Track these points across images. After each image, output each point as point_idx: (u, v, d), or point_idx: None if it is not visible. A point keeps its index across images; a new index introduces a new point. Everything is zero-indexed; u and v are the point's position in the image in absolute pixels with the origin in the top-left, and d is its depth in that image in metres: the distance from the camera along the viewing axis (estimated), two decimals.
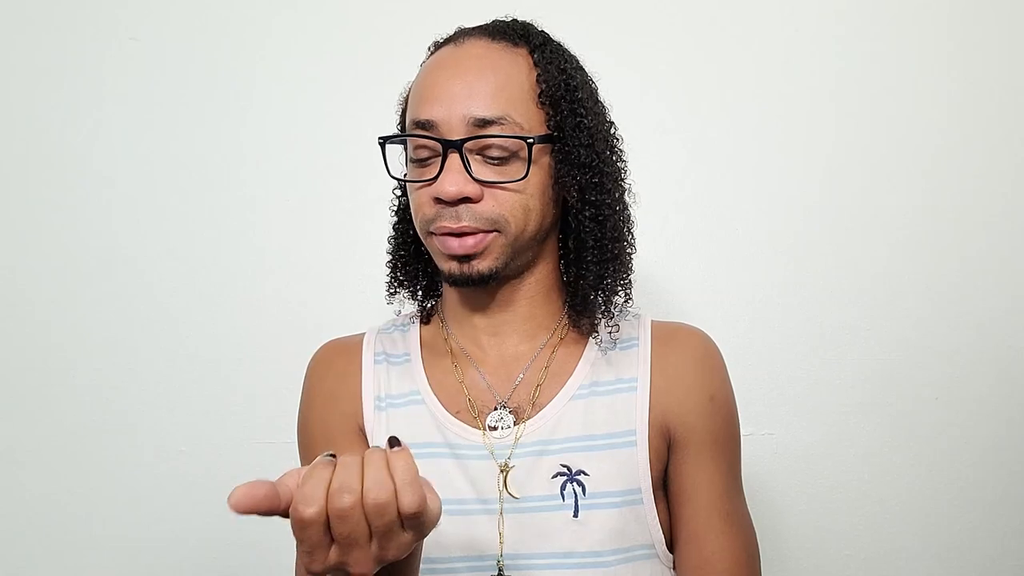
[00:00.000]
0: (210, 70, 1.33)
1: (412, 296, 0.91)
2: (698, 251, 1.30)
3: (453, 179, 0.75)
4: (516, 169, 0.77)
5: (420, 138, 0.77)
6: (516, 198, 0.77)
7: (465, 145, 0.75)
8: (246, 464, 1.32)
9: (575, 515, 0.78)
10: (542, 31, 0.83)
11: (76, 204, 1.34)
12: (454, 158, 0.76)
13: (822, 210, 1.30)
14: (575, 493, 0.78)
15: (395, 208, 0.91)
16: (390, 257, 0.91)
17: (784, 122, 1.30)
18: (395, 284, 0.90)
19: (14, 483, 1.35)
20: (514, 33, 0.80)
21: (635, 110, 1.26)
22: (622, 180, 0.85)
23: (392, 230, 0.91)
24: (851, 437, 1.30)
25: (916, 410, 1.30)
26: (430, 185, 0.77)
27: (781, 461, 1.30)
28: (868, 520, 1.31)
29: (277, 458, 1.30)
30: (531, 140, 0.76)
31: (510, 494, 0.79)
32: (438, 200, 0.76)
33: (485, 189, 0.76)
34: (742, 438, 0.87)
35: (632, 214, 0.86)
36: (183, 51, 1.33)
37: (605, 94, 0.86)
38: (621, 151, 0.85)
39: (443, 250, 0.78)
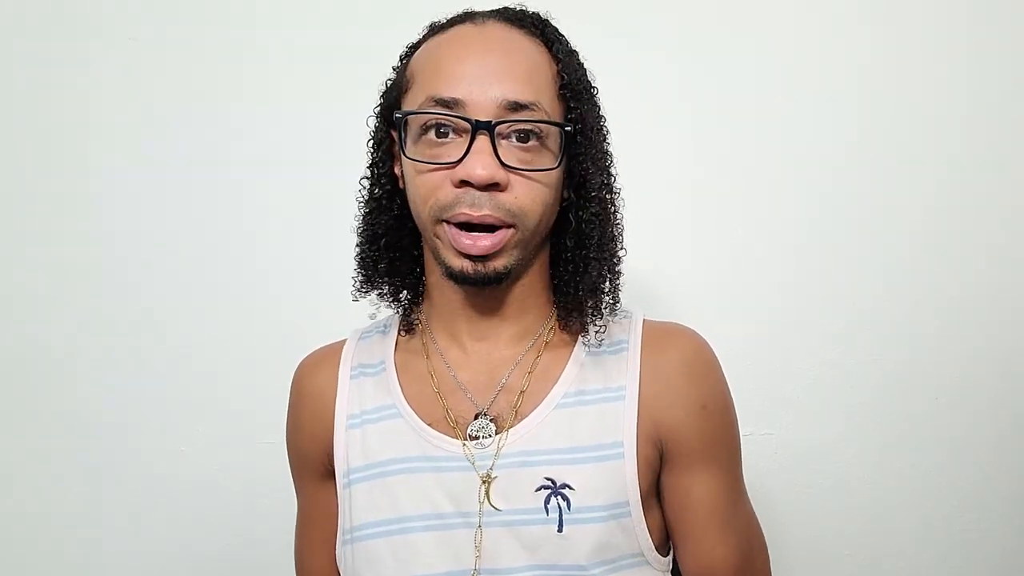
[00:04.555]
0: (207, 71, 1.33)
1: (392, 299, 0.86)
2: (698, 251, 1.30)
3: (485, 162, 0.70)
4: (545, 156, 0.74)
5: (447, 116, 0.72)
6: (537, 191, 0.74)
7: (496, 128, 0.71)
8: (246, 464, 1.32)
9: (559, 530, 0.75)
10: (554, 25, 0.80)
11: (74, 203, 1.34)
12: (484, 140, 0.71)
13: (823, 211, 1.29)
14: (560, 507, 0.75)
15: (364, 199, 0.84)
16: (360, 252, 0.84)
17: (786, 121, 1.29)
18: (367, 285, 0.84)
19: (13, 482, 1.35)
20: (531, 24, 0.77)
21: (636, 107, 1.26)
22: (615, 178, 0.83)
23: (363, 224, 0.84)
24: (851, 437, 1.30)
25: (917, 410, 1.30)
26: (450, 168, 0.72)
27: (781, 461, 1.30)
28: (869, 520, 1.31)
29: (277, 458, 1.29)
30: (568, 128, 0.74)
31: (492, 506, 0.76)
32: (463, 183, 0.72)
33: (512, 177, 0.73)
34: (742, 438, 0.86)
35: (622, 213, 0.83)
36: (181, 52, 1.33)
37: (611, 93, 0.84)
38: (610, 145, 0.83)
39: (456, 245, 0.74)
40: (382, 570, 0.78)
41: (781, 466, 1.30)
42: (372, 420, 0.82)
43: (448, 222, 0.74)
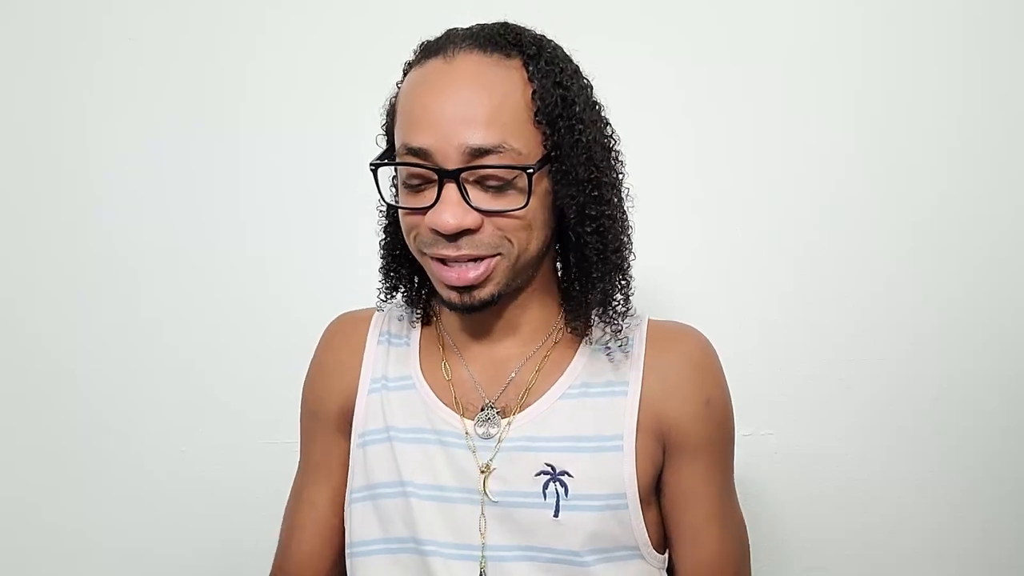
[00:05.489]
0: (206, 70, 1.33)
1: (409, 301, 0.89)
2: (699, 253, 1.30)
3: (452, 211, 0.72)
4: (515, 196, 0.74)
5: (414, 166, 0.74)
6: (514, 225, 0.75)
7: (462, 175, 0.72)
8: (247, 464, 1.32)
9: (555, 515, 0.78)
10: (535, 36, 0.78)
11: (73, 202, 1.34)
12: (451, 188, 0.72)
13: (824, 212, 1.29)
14: (557, 493, 0.78)
15: (383, 211, 0.88)
16: (382, 263, 0.88)
17: (790, 126, 1.29)
18: (389, 291, 0.88)
19: (13, 482, 1.35)
20: (506, 42, 0.75)
21: (641, 111, 1.26)
22: (621, 186, 0.82)
23: (383, 233, 0.88)
24: (851, 437, 1.30)
25: (916, 411, 1.30)
26: (425, 213, 0.74)
27: (781, 461, 1.30)
28: (869, 520, 1.31)
29: (277, 458, 1.30)
30: (531, 170, 0.72)
31: (487, 495, 0.79)
32: (435, 231, 0.74)
33: (485, 218, 0.74)
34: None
35: (630, 216, 0.83)
36: (180, 51, 1.33)
37: (610, 94, 0.83)
38: (619, 153, 0.82)
39: (441, 279, 0.76)
40: (391, 528, 0.82)
41: (781, 466, 1.30)
42: (392, 388, 0.86)
43: (431, 257, 0.76)
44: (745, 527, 0.87)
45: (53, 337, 1.34)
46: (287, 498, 0.93)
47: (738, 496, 0.88)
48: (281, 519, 0.93)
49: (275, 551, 0.92)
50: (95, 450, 1.34)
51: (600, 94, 0.82)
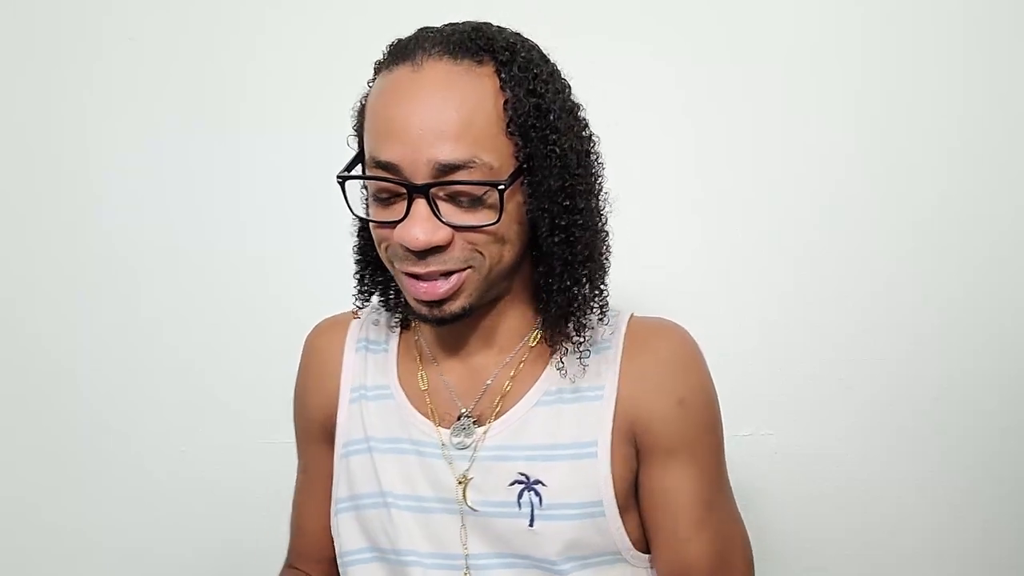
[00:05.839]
0: (206, 70, 1.33)
1: (386, 306, 0.87)
2: (699, 253, 1.30)
3: (422, 227, 0.69)
4: (487, 211, 0.71)
5: (382, 181, 0.71)
6: (485, 240, 0.72)
7: (432, 190, 0.70)
8: (246, 464, 1.32)
9: (531, 525, 0.76)
10: (508, 40, 0.74)
11: (73, 202, 1.34)
12: (421, 203, 0.70)
13: (824, 212, 1.29)
14: (532, 503, 0.77)
15: (356, 217, 0.85)
16: (356, 269, 0.86)
17: (790, 126, 1.29)
18: (364, 297, 0.86)
19: (13, 482, 1.35)
20: (477, 47, 0.72)
21: (640, 111, 1.26)
22: (597, 191, 0.78)
23: (356, 238, 0.86)
24: (852, 438, 1.30)
25: (916, 411, 1.30)
26: (394, 227, 0.71)
27: (781, 461, 1.30)
28: (869, 520, 1.31)
29: (276, 458, 1.30)
30: (502, 187, 0.69)
31: (469, 506, 0.78)
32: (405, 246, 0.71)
33: (456, 232, 0.71)
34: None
35: (609, 221, 0.80)
36: (180, 51, 1.33)
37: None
38: (597, 155, 0.79)
39: (411, 293, 0.74)
40: (373, 538, 0.82)
41: (781, 466, 1.29)
42: (370, 397, 0.85)
43: (401, 271, 0.75)
44: (739, 534, 0.83)
45: (53, 337, 1.34)
46: (290, 497, 0.95)
47: (735, 498, 0.85)
48: (280, 518, 0.94)
49: (287, 548, 0.94)
50: (95, 450, 1.34)
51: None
